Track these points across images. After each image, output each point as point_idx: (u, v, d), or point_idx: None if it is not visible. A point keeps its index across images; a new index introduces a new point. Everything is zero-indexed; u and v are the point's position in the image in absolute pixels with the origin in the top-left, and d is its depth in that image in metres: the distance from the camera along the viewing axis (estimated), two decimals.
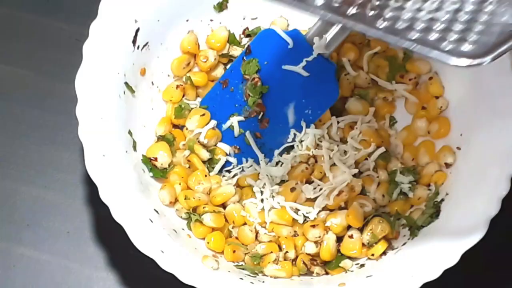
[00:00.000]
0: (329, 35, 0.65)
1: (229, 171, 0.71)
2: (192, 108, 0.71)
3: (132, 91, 0.68)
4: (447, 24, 0.43)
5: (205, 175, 0.69)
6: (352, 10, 0.44)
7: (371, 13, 0.44)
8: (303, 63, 0.67)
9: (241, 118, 0.70)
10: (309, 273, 0.67)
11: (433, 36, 0.43)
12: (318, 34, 0.66)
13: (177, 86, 0.71)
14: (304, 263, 0.67)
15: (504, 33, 0.43)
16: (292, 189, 0.68)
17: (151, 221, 0.64)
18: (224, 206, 0.69)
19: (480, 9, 0.43)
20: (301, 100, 0.69)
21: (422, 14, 0.44)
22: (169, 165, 0.69)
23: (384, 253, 0.67)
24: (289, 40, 0.67)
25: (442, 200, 0.67)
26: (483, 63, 0.43)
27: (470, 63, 0.43)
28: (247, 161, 0.71)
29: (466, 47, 0.43)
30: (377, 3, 0.44)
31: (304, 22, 0.70)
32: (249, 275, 0.65)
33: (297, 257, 0.68)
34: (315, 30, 0.66)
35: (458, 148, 0.68)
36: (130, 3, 0.66)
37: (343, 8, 0.44)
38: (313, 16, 0.45)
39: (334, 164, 0.69)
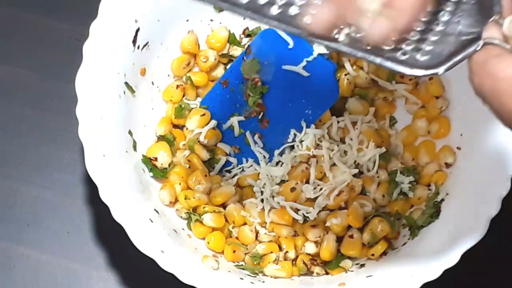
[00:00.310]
0: None
1: (229, 171, 0.71)
2: (192, 108, 0.71)
3: (132, 91, 0.68)
4: (402, 35, 0.43)
5: (205, 175, 0.69)
6: (308, 21, 0.43)
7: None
8: (303, 63, 0.67)
9: (241, 118, 0.71)
10: (309, 273, 0.67)
11: (387, 46, 0.43)
12: None
13: (177, 86, 0.71)
14: (304, 263, 0.67)
15: (458, 43, 0.43)
16: (292, 189, 0.68)
17: (151, 221, 0.64)
18: (224, 206, 0.69)
19: (435, 19, 0.43)
20: (301, 100, 0.69)
21: None
22: (169, 165, 0.69)
23: (384, 253, 0.67)
24: (289, 40, 0.67)
25: (442, 200, 0.67)
26: (437, 73, 0.43)
27: (424, 74, 0.43)
28: (247, 161, 0.71)
29: (420, 57, 0.43)
30: None
31: None
32: (249, 275, 0.65)
33: (297, 257, 0.68)
34: None
35: (458, 148, 0.68)
36: (130, 3, 0.66)
37: (299, 19, 0.44)
38: (268, 26, 0.44)
39: (334, 164, 0.69)
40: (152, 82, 0.71)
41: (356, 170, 0.69)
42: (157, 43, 0.70)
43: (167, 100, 0.72)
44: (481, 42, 0.42)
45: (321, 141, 0.69)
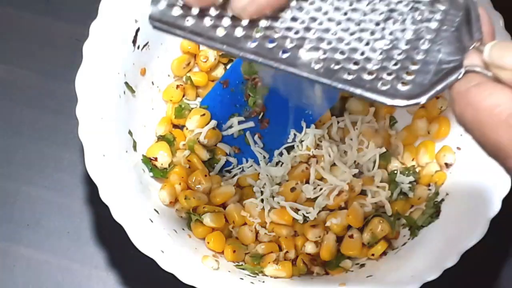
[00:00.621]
0: None
1: (229, 171, 0.71)
2: (192, 108, 0.71)
3: (132, 91, 0.68)
4: (382, 64, 0.43)
5: (205, 175, 0.69)
6: (284, 55, 0.43)
7: (305, 56, 0.43)
8: None
9: (241, 118, 0.71)
10: (309, 273, 0.67)
11: (367, 77, 0.43)
12: None
13: (177, 86, 0.71)
14: (304, 263, 0.67)
15: (439, 71, 0.42)
16: (292, 189, 0.68)
17: (151, 221, 0.64)
18: (224, 206, 0.69)
19: (415, 48, 0.43)
20: (301, 100, 0.69)
21: (357, 55, 0.43)
22: (169, 165, 0.69)
23: (384, 253, 0.67)
24: None
25: (442, 200, 0.67)
26: (419, 103, 0.42)
27: (406, 104, 0.42)
28: (247, 161, 0.71)
29: (401, 87, 0.42)
30: (310, 46, 0.43)
31: None
32: (249, 275, 0.65)
33: (297, 257, 0.68)
34: None
35: (458, 148, 0.68)
36: (130, 3, 0.66)
37: (275, 51, 0.43)
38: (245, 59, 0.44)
39: (334, 164, 0.69)
40: (152, 82, 0.71)
41: (356, 170, 0.69)
42: (157, 43, 0.70)
43: (167, 100, 0.72)
44: (462, 70, 0.41)
45: (321, 141, 0.69)
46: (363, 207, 0.68)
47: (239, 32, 0.44)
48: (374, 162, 0.69)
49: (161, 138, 0.70)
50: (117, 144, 0.66)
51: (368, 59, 0.43)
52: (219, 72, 0.73)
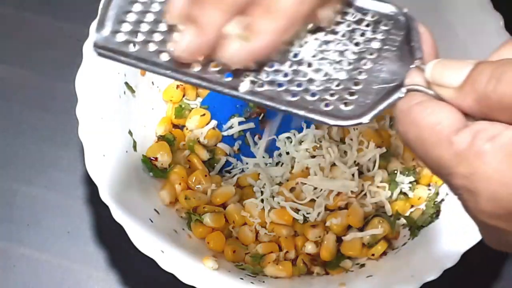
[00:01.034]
0: None
1: (229, 171, 0.71)
2: (192, 108, 0.71)
3: (132, 91, 0.68)
4: (325, 86, 0.43)
5: (205, 175, 0.69)
6: (227, 78, 0.43)
7: (247, 79, 0.43)
8: None
9: (242, 119, 0.71)
10: (309, 273, 0.67)
11: (310, 98, 0.43)
12: None
13: (177, 86, 0.71)
14: (304, 263, 0.67)
15: (382, 90, 0.42)
16: (292, 189, 0.68)
17: (151, 221, 0.64)
18: (224, 206, 0.69)
19: (357, 68, 0.43)
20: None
21: (300, 77, 0.43)
22: (169, 165, 0.69)
23: (384, 253, 0.67)
24: None
25: (442, 200, 0.67)
26: (361, 123, 0.42)
27: (348, 124, 0.43)
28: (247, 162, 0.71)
29: (344, 107, 0.42)
30: (253, 69, 0.43)
31: None
32: (249, 275, 0.65)
33: (297, 257, 0.68)
34: None
35: None
36: None
37: (219, 76, 0.43)
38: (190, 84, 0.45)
39: (334, 164, 0.69)
40: (152, 82, 0.71)
41: (356, 170, 0.69)
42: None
43: (167, 100, 0.72)
44: (404, 89, 0.41)
45: (321, 141, 0.69)
46: (363, 207, 0.68)
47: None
48: (374, 162, 0.69)
49: (161, 138, 0.70)
50: (117, 144, 0.66)
51: (311, 81, 0.43)
52: None
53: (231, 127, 0.71)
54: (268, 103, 0.43)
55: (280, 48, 0.43)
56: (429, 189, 0.69)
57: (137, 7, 0.44)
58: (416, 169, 0.70)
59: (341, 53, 0.43)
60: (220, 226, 0.67)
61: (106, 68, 0.66)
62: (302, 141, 0.69)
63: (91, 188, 0.71)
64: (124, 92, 0.67)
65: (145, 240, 0.61)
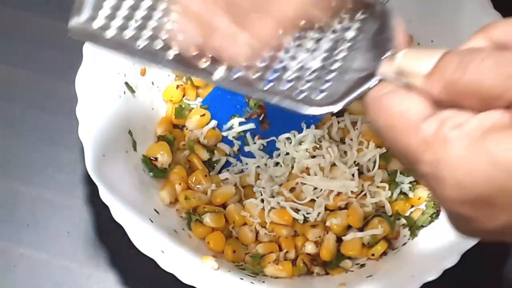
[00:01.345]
0: None
1: (229, 171, 0.71)
2: (192, 108, 0.71)
3: (132, 91, 0.68)
4: (299, 74, 0.44)
5: (205, 175, 0.69)
6: (204, 65, 0.44)
7: (223, 66, 0.44)
8: None
9: (242, 119, 0.71)
10: (309, 273, 0.67)
11: (284, 86, 0.43)
12: None
13: (177, 86, 0.71)
14: (304, 263, 0.67)
15: (355, 80, 0.43)
16: (292, 189, 0.68)
17: (151, 221, 0.64)
18: (224, 206, 0.69)
19: (331, 57, 0.44)
20: None
21: (276, 65, 0.44)
22: (169, 165, 0.69)
23: (384, 253, 0.67)
24: None
25: None
26: (333, 111, 0.43)
27: (320, 112, 0.43)
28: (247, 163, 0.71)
29: (317, 96, 0.43)
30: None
31: None
32: (249, 275, 0.65)
33: (297, 257, 0.68)
34: None
35: None
36: None
37: (195, 61, 0.44)
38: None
39: (334, 164, 0.69)
40: (152, 82, 0.71)
41: (356, 170, 0.69)
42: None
43: (167, 100, 0.72)
44: (375, 78, 0.42)
45: (321, 141, 0.69)
46: (363, 207, 0.67)
47: (158, 43, 0.44)
48: (374, 162, 0.69)
49: (161, 138, 0.70)
50: (117, 144, 0.66)
51: (285, 69, 0.44)
52: None
53: (231, 128, 0.71)
54: (243, 90, 0.44)
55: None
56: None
57: None
58: None
59: (317, 41, 0.44)
60: (220, 226, 0.67)
61: (106, 68, 0.66)
62: (302, 142, 0.69)
63: (91, 188, 0.71)
64: (124, 92, 0.67)
65: (145, 240, 0.61)
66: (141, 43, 0.44)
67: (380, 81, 0.42)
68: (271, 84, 0.43)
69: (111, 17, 0.44)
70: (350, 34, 0.44)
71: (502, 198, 0.38)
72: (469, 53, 0.39)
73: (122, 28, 0.44)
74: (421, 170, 0.40)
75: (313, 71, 0.43)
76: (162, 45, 0.44)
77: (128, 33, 0.44)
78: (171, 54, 0.44)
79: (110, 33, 0.44)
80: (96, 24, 0.44)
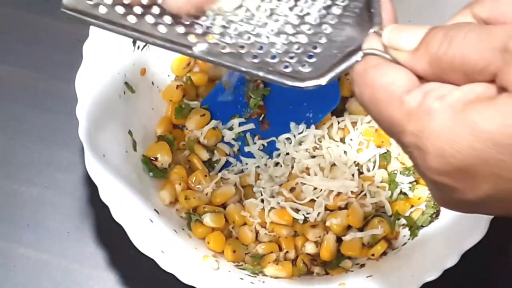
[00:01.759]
0: None
1: (229, 171, 0.71)
2: (192, 108, 0.71)
3: (132, 91, 0.68)
4: (286, 48, 0.44)
5: (205, 175, 0.69)
6: (193, 40, 0.45)
7: (214, 41, 0.45)
8: None
9: (242, 119, 0.71)
10: (309, 273, 0.67)
11: (271, 60, 0.44)
12: None
13: (177, 86, 0.71)
14: (304, 263, 0.67)
15: (341, 54, 0.43)
16: (292, 189, 0.68)
17: (151, 221, 0.64)
18: (224, 206, 0.69)
19: (318, 32, 0.44)
20: (302, 103, 0.69)
21: (262, 39, 0.45)
22: (169, 165, 0.69)
23: (384, 253, 0.67)
24: None
25: None
26: (320, 85, 0.44)
27: (306, 85, 0.44)
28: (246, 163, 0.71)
29: (303, 69, 0.44)
30: (219, 31, 0.45)
31: None
32: (249, 275, 0.65)
33: (297, 257, 0.68)
34: None
35: None
36: None
37: (183, 37, 0.45)
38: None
39: (334, 164, 0.69)
40: (152, 82, 0.71)
41: (356, 170, 0.69)
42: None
43: (167, 100, 0.72)
44: (361, 53, 0.43)
45: (321, 141, 0.69)
46: (363, 207, 0.67)
47: (150, 19, 0.45)
48: (374, 162, 0.69)
49: (161, 138, 0.70)
50: (117, 144, 0.66)
51: (272, 44, 0.44)
52: (220, 72, 0.73)
53: (231, 128, 0.71)
54: (227, 64, 0.44)
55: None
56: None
57: None
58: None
59: (303, 17, 0.45)
60: (220, 226, 0.67)
61: (106, 68, 0.66)
62: (302, 142, 0.69)
63: (91, 188, 0.71)
64: (124, 92, 0.67)
65: (145, 240, 0.61)
66: (132, 19, 0.45)
67: (366, 56, 0.43)
68: (258, 59, 0.44)
69: None
70: (335, 10, 0.45)
71: (484, 168, 0.38)
72: (453, 27, 0.40)
73: (114, 4, 0.45)
74: (404, 141, 0.40)
75: (299, 47, 0.44)
76: (153, 21, 0.45)
77: (120, 10, 0.45)
78: (161, 30, 0.45)
79: (102, 9, 0.46)
80: (89, 0, 0.46)
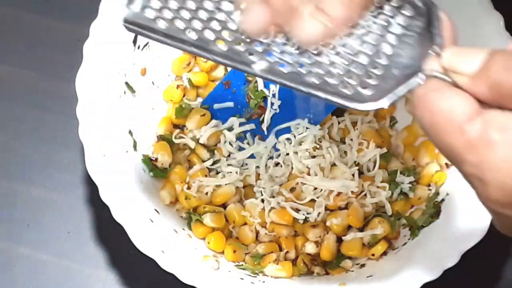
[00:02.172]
0: None
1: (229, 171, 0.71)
2: (192, 108, 0.71)
3: (133, 91, 0.68)
4: (347, 70, 0.44)
5: (205, 175, 0.69)
6: (254, 58, 0.44)
7: (275, 59, 0.44)
8: None
9: (242, 119, 0.71)
10: (309, 273, 0.67)
11: (332, 81, 0.44)
12: None
13: (178, 86, 0.71)
14: (304, 263, 0.67)
15: (402, 76, 0.43)
16: (292, 189, 0.68)
17: (151, 221, 0.64)
18: (224, 206, 0.69)
19: (379, 53, 0.44)
20: (302, 104, 0.69)
21: (324, 59, 0.44)
22: (169, 165, 0.69)
23: (385, 253, 0.67)
24: None
25: (443, 200, 0.67)
26: (382, 107, 0.43)
27: (369, 108, 0.44)
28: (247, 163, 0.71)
29: (365, 92, 0.43)
30: (279, 50, 0.44)
31: None
32: (249, 275, 0.65)
33: (297, 257, 0.68)
34: None
35: None
36: None
37: (246, 55, 0.44)
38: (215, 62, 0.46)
39: (334, 164, 0.69)
40: (152, 82, 0.71)
41: (356, 170, 0.69)
42: (157, 43, 0.70)
43: (167, 100, 0.72)
44: (422, 75, 0.42)
45: (321, 142, 0.69)
46: (363, 207, 0.68)
47: (210, 35, 0.45)
48: (375, 162, 0.69)
49: (161, 138, 0.70)
50: (117, 144, 0.66)
51: (333, 64, 0.44)
52: (220, 72, 0.73)
53: (231, 128, 0.71)
54: (288, 83, 0.44)
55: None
56: (429, 189, 0.69)
57: None
58: (416, 169, 0.70)
59: (364, 37, 0.44)
60: (220, 226, 0.67)
61: (106, 68, 0.66)
62: (302, 142, 0.69)
63: (91, 188, 0.71)
64: (124, 92, 0.67)
65: (145, 240, 0.61)
66: (193, 35, 0.44)
67: (426, 78, 0.42)
68: (319, 80, 0.44)
69: (163, 7, 0.45)
70: (396, 30, 0.44)
71: None
72: None
73: (174, 19, 0.45)
74: (465, 170, 0.40)
75: (361, 68, 0.44)
76: (214, 38, 0.45)
77: (180, 24, 0.45)
78: (221, 47, 0.44)
79: (162, 24, 0.45)
80: (149, 14, 0.45)
